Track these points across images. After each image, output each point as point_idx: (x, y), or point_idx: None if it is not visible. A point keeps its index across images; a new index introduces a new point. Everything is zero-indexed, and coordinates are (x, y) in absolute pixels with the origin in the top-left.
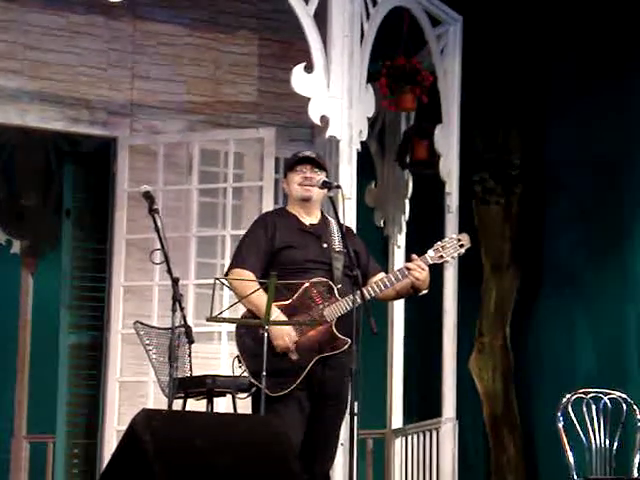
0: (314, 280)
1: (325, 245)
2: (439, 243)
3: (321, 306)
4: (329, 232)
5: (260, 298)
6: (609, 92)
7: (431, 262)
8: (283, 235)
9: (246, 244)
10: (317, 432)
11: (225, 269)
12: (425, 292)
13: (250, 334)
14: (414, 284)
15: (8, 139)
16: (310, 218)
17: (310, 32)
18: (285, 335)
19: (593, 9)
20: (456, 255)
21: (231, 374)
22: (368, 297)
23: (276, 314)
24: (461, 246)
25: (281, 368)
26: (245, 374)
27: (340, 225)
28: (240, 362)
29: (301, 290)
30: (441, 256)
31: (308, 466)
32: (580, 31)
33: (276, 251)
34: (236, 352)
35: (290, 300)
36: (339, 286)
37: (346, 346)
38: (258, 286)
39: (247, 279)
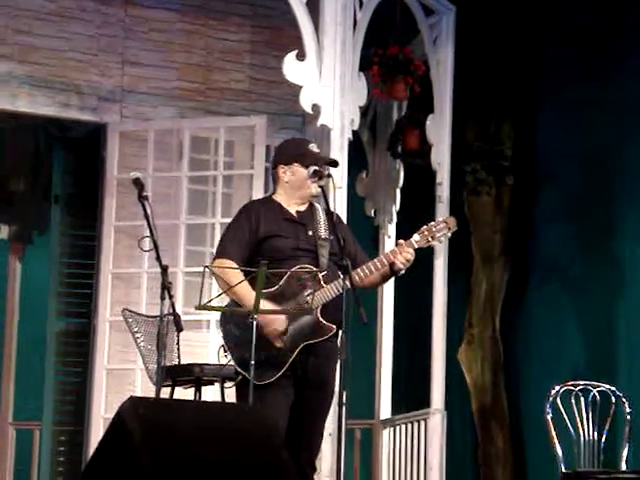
0: (298, 267)
1: (310, 232)
2: (425, 227)
3: (306, 293)
4: (315, 219)
5: (244, 289)
6: (602, 84)
7: (417, 246)
8: (268, 224)
9: (229, 234)
10: (301, 419)
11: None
12: (402, 273)
13: (235, 323)
14: (394, 266)
15: None
16: (298, 207)
17: (302, 19)
18: (276, 321)
19: (585, 3)
20: (443, 239)
21: (219, 363)
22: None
23: (262, 304)
24: (448, 229)
25: (266, 356)
26: (231, 363)
27: (330, 213)
28: (225, 351)
29: (286, 277)
30: (427, 240)
31: (294, 454)
32: (573, 22)
33: (260, 240)
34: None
35: (275, 287)
36: (324, 273)
37: (331, 333)
38: (243, 277)
39: (234, 267)
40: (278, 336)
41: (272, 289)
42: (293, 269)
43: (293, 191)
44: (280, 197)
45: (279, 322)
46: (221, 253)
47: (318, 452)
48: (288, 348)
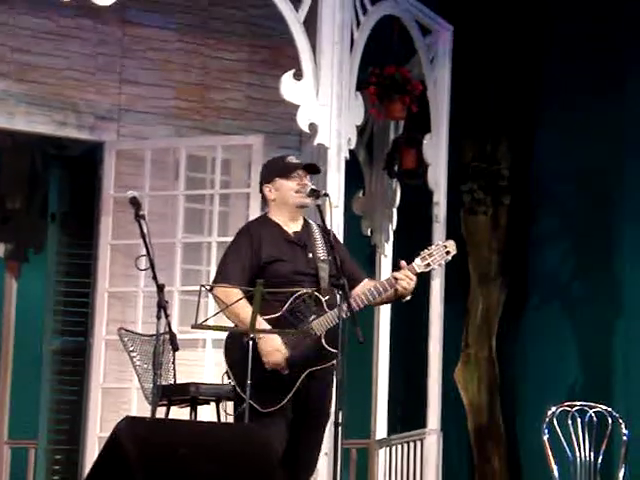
0: (301, 292)
1: (310, 255)
2: (426, 251)
3: (309, 319)
4: (313, 240)
5: (245, 311)
6: (599, 104)
7: (418, 271)
8: (269, 247)
9: (231, 258)
10: (299, 441)
11: (210, 281)
12: (408, 299)
13: (239, 347)
14: (399, 292)
15: None
16: (294, 225)
17: (300, 39)
18: (276, 351)
19: (583, 22)
20: (443, 262)
21: (215, 382)
22: (357, 308)
23: (261, 324)
24: (447, 253)
25: (271, 383)
26: (236, 389)
27: (327, 232)
28: (229, 377)
29: (288, 303)
30: (428, 264)
31: (289, 473)
32: (571, 42)
33: (263, 265)
34: (220, 360)
35: (278, 314)
36: (327, 297)
37: (335, 360)
38: (245, 300)
39: (232, 292)
40: (279, 365)
41: (274, 315)
42: (297, 293)
43: (283, 206)
44: (274, 216)
45: (280, 352)
46: (224, 278)
47: (313, 472)
48: (292, 375)
